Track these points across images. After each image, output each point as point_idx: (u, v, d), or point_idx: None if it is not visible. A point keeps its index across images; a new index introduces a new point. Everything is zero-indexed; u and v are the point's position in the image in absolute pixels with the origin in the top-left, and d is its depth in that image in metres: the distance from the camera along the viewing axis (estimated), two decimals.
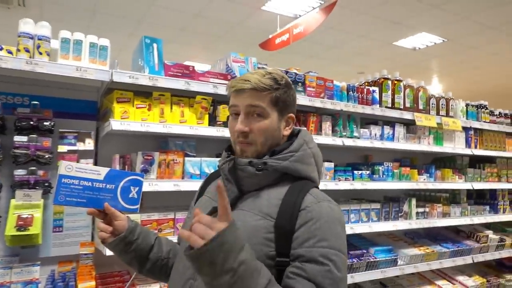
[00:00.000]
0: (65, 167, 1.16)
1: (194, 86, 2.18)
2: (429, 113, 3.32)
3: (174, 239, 1.52)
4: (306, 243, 1.01)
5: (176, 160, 2.18)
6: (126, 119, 2.00)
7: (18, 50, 1.80)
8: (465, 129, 3.58)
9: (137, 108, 2.07)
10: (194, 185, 2.13)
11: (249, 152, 1.16)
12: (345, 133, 2.86)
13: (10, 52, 1.78)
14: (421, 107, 3.29)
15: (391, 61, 8.48)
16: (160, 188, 2.06)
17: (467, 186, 3.54)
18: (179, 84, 2.13)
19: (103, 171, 1.22)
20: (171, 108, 2.18)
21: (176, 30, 6.78)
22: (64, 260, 2.10)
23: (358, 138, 2.91)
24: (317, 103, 2.66)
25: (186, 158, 2.22)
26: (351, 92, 2.89)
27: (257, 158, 1.14)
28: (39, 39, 1.85)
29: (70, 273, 2.02)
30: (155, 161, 2.11)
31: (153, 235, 1.32)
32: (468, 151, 3.56)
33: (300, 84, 2.64)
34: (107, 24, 6.47)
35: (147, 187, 2.02)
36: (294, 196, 1.08)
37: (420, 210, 3.26)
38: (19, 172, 1.88)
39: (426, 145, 3.30)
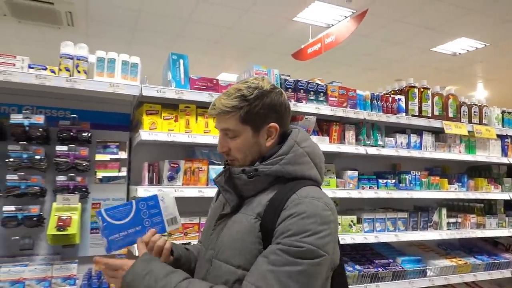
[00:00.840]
0: (100, 219, 1.26)
1: None
2: (460, 121, 3.25)
3: None
4: (279, 237, 1.05)
5: (201, 168, 2.32)
6: (154, 129, 2.17)
7: (60, 70, 2.02)
8: (501, 137, 3.45)
9: (164, 119, 2.23)
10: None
11: (235, 166, 1.23)
12: (369, 142, 2.87)
13: (53, 72, 2.01)
14: (451, 115, 3.22)
15: (430, 67, 8.25)
16: (186, 194, 2.20)
17: (504, 196, 3.40)
18: (203, 96, 2.27)
19: (131, 205, 1.32)
20: (196, 119, 2.33)
21: (210, 43, 7.04)
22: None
23: (383, 146, 2.91)
24: (339, 112, 2.70)
25: (211, 166, 2.35)
26: (375, 101, 2.91)
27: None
28: (78, 59, 2.07)
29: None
30: (181, 169, 2.26)
31: (190, 252, 1.40)
32: (504, 160, 3.42)
33: (322, 94, 2.70)
34: (147, 40, 6.84)
35: (173, 193, 2.16)
36: (280, 196, 1.12)
37: (452, 220, 3.18)
38: (60, 178, 2.10)
39: (457, 154, 3.22)
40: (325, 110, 2.65)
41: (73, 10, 5.58)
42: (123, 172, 2.26)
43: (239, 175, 1.19)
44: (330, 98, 2.72)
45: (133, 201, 1.33)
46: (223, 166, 1.29)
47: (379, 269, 2.72)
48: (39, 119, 2.00)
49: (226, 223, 1.20)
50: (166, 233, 1.37)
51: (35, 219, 2.01)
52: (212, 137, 2.28)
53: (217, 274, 1.13)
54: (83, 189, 2.14)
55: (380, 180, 2.89)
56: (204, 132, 2.30)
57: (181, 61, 2.31)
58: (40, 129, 2.01)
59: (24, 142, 2.02)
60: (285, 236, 1.03)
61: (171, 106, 2.31)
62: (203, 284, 1.07)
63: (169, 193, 1.43)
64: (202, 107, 2.35)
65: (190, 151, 2.53)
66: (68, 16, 5.77)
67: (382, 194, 2.80)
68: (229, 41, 6.95)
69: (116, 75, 2.14)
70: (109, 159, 2.22)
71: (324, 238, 1.04)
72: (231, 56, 7.80)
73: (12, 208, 1.99)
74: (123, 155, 2.28)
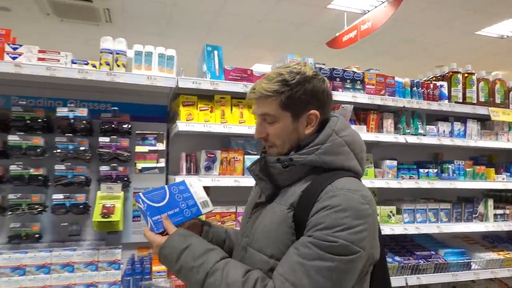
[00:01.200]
0: (140, 202, 1.28)
1: None
2: (509, 107, 3.07)
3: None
4: (311, 230, 1.01)
5: (236, 158, 2.34)
6: (191, 120, 2.21)
7: (100, 64, 2.10)
8: None
9: (200, 110, 2.26)
10: (254, 181, 2.26)
11: (272, 153, 1.21)
12: (408, 130, 2.78)
13: (94, 66, 2.08)
14: (498, 101, 3.05)
15: (475, 51, 7.81)
16: (222, 184, 2.23)
17: None
18: (238, 87, 2.28)
19: (164, 189, 1.34)
20: (231, 110, 2.34)
21: (243, 34, 7.04)
22: (142, 246, 2.38)
23: (424, 135, 2.80)
24: (377, 100, 2.63)
25: (246, 156, 2.37)
26: (415, 88, 2.80)
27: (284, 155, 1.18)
28: (117, 54, 2.13)
29: (146, 258, 2.29)
30: (217, 159, 2.29)
31: (223, 229, 1.47)
32: None
33: (359, 82, 2.63)
34: (180, 33, 6.94)
35: (210, 182, 2.20)
36: (315, 187, 1.08)
37: (499, 212, 3.02)
38: (104, 168, 2.19)
39: (505, 142, 3.05)
40: (362, 98, 2.59)
41: (111, 7, 5.76)
42: (161, 163, 2.32)
43: (274, 164, 1.17)
44: (367, 86, 2.65)
45: (165, 186, 1.37)
46: (260, 155, 1.27)
47: (420, 261, 2.64)
48: (83, 112, 2.10)
49: (261, 212, 1.20)
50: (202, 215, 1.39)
51: (81, 206, 2.12)
52: (247, 127, 2.29)
53: (251, 262, 1.13)
54: (125, 179, 2.22)
55: (421, 170, 2.79)
56: (239, 123, 2.32)
57: (216, 52, 2.33)
58: (84, 122, 2.10)
59: (70, 134, 2.12)
60: (317, 229, 1.00)
61: (207, 97, 2.34)
62: (239, 266, 1.07)
63: (195, 180, 1.48)
64: (236, 98, 2.37)
65: (225, 141, 2.56)
66: (106, 13, 5.98)
67: (423, 184, 2.71)
68: (261, 32, 6.92)
69: (153, 68, 2.19)
70: (147, 151, 2.29)
71: (360, 233, 0.99)
72: (264, 47, 7.77)
73: (60, 196, 2.10)
74: (161, 146, 2.33)
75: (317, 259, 0.97)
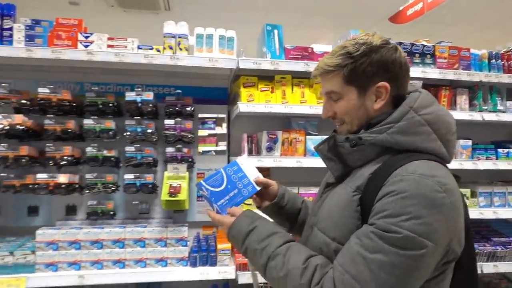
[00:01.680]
0: (204, 189, 1.33)
1: (313, 66, 2.23)
2: None
3: None
4: (374, 217, 0.94)
5: (298, 139, 2.30)
6: (252, 101, 2.21)
7: (164, 48, 2.15)
8: None
9: (261, 91, 2.25)
10: (316, 162, 2.23)
11: (342, 131, 1.16)
12: (486, 107, 2.55)
13: (158, 51, 2.14)
14: None
15: None
16: (284, 164, 2.22)
17: None
18: (299, 66, 2.23)
19: (220, 173, 1.39)
20: (292, 90, 2.30)
21: (300, 14, 6.86)
22: (206, 225, 2.46)
23: (504, 112, 2.55)
24: (450, 75, 2.43)
25: (308, 136, 2.33)
26: (493, 60, 2.55)
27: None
28: (179, 37, 2.17)
29: (211, 236, 2.36)
30: (278, 140, 2.28)
31: (300, 199, 1.49)
32: None
33: (429, 56, 2.45)
34: (238, 17, 6.95)
35: (271, 163, 2.20)
36: (384, 170, 0.99)
37: None
38: (169, 150, 2.27)
39: None
40: (433, 73, 2.41)
41: None
42: (220, 147, 2.36)
43: (342, 143, 1.11)
44: (439, 60, 2.45)
45: (221, 169, 1.41)
46: (331, 134, 1.20)
47: (497, 247, 2.45)
48: (149, 95, 2.18)
49: (331, 193, 1.16)
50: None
51: (150, 186, 2.23)
52: (309, 107, 2.24)
53: (315, 241, 1.11)
54: (189, 160, 2.29)
55: (500, 150, 2.56)
56: (300, 102, 2.27)
57: (276, 31, 2.29)
58: (150, 105, 2.18)
59: (138, 117, 2.22)
60: (380, 216, 0.91)
61: (267, 77, 2.32)
62: (302, 251, 1.04)
63: (246, 158, 1.51)
64: (297, 77, 2.32)
65: (286, 122, 2.53)
66: (165, 1, 6.15)
67: (502, 165, 2.48)
68: (320, 9, 6.69)
69: (214, 50, 2.21)
70: (207, 134, 2.33)
71: (430, 225, 0.87)
72: (324, 26, 7.53)
73: (131, 176, 2.22)
74: (219, 130, 2.37)
75: (379, 252, 0.89)
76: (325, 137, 2.26)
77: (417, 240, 0.87)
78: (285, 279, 0.99)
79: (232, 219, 1.17)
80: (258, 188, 1.41)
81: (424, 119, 1.03)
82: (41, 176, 2.13)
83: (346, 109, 1.11)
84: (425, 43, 2.51)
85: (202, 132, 2.31)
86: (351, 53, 1.06)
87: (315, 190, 2.33)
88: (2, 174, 2.13)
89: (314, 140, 2.32)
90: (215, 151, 2.32)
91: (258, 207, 1.47)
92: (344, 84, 1.09)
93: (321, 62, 1.12)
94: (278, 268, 1.01)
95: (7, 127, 2.05)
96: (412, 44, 2.43)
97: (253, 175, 1.44)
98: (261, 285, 1.75)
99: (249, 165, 1.47)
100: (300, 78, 2.32)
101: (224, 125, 2.36)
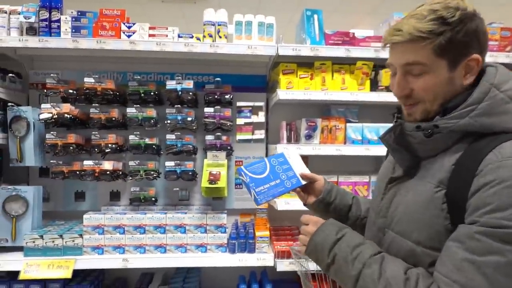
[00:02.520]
0: (243, 175, 1.32)
1: (354, 52, 2.18)
2: None
3: None
4: (474, 214, 0.82)
5: (338, 126, 2.26)
6: (291, 89, 2.18)
7: (204, 37, 2.16)
8: None
9: (300, 78, 2.21)
10: (356, 150, 2.18)
11: (417, 113, 1.00)
12: None
13: (198, 39, 2.15)
14: None
15: None
16: (323, 152, 2.18)
17: None
18: (339, 51, 2.17)
19: (264, 162, 1.38)
20: (332, 76, 2.25)
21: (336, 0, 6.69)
22: (244, 213, 2.48)
23: None
24: (501, 58, 2.28)
25: (348, 124, 2.27)
26: None
27: (426, 120, 0.97)
28: (219, 25, 2.17)
29: (249, 223, 2.38)
30: (318, 127, 2.24)
31: (350, 195, 1.39)
32: None
33: None
34: (274, 4, 6.87)
35: (310, 151, 2.17)
36: (472, 157, 0.87)
37: None
38: (209, 138, 2.30)
39: None
40: None
41: None
42: (257, 135, 2.35)
43: (412, 132, 0.97)
44: (490, 43, 2.30)
45: (265, 159, 1.39)
46: (394, 121, 1.07)
47: None
48: (189, 84, 2.20)
49: (399, 188, 1.04)
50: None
51: (190, 173, 2.27)
52: (349, 94, 2.18)
53: (392, 247, 1.01)
54: (228, 148, 2.31)
55: None
56: (340, 89, 2.22)
57: (315, 16, 2.24)
58: (190, 93, 2.20)
59: (178, 106, 2.25)
60: (484, 212, 0.80)
61: (306, 64, 2.28)
62: (398, 262, 0.94)
63: (294, 151, 1.51)
64: (338, 63, 2.26)
65: (325, 109, 2.48)
66: None
67: None
68: None
69: (253, 37, 2.19)
70: (243, 123, 2.33)
71: None
72: (360, 11, 7.30)
73: (172, 163, 2.27)
74: (255, 118, 2.36)
75: (492, 253, 0.77)
76: (365, 124, 2.25)
77: None
78: None
79: (313, 227, 1.09)
80: (303, 182, 1.37)
81: (507, 95, 0.91)
82: (88, 163, 2.22)
83: (431, 86, 0.95)
84: None
85: (239, 121, 2.31)
86: (446, 19, 0.90)
87: (355, 178, 2.29)
88: (51, 161, 2.24)
89: (354, 128, 2.26)
90: (250, 139, 2.32)
91: (305, 204, 1.43)
92: (434, 56, 0.93)
93: (406, 25, 0.93)
94: (375, 278, 0.91)
95: (56, 116, 2.14)
96: None
97: (299, 169, 1.41)
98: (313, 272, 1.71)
99: (296, 159, 1.44)
100: (340, 64, 2.26)
101: (261, 113, 2.35)
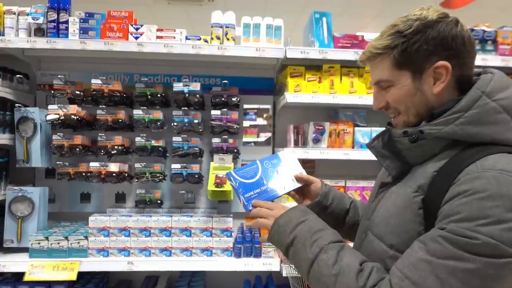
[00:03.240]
0: (232, 180, 1.25)
1: None
2: None
3: None
4: (443, 221, 0.81)
5: (346, 130, 2.23)
6: (299, 92, 2.16)
7: (212, 39, 2.15)
8: None
9: (308, 81, 2.20)
10: (364, 154, 2.15)
11: (399, 123, 1.02)
12: None
13: (206, 41, 2.14)
14: None
15: None
16: (330, 157, 2.16)
17: None
18: (348, 54, 2.15)
19: (256, 165, 1.31)
20: (341, 79, 2.23)
21: (344, 2, 6.66)
22: (250, 217, 2.44)
23: None
24: None
25: (356, 128, 2.25)
26: None
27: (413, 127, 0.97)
28: (227, 27, 2.16)
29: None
30: (325, 131, 2.22)
31: (348, 199, 1.35)
32: None
33: (490, 42, 2.28)
34: (280, 6, 6.86)
35: (318, 155, 2.15)
36: (453, 166, 0.87)
37: None
38: (215, 140, 2.28)
39: None
40: (494, 61, 2.24)
41: None
42: (261, 138, 2.35)
43: (399, 138, 0.97)
44: (501, 47, 2.28)
45: (257, 161, 1.33)
46: (386, 127, 1.08)
47: None
48: (196, 86, 2.19)
49: (386, 193, 1.03)
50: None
51: (196, 176, 2.25)
52: (358, 97, 2.16)
53: (370, 249, 1.00)
54: (235, 150, 2.29)
55: None
56: (349, 93, 2.20)
57: (324, 19, 2.22)
58: (197, 96, 2.19)
59: (185, 108, 2.24)
60: (452, 220, 0.79)
61: (314, 67, 2.26)
62: (357, 254, 0.94)
63: (289, 152, 1.44)
64: (346, 67, 2.24)
65: (333, 113, 2.46)
66: None
67: None
68: None
69: (261, 39, 2.18)
70: (248, 125, 2.32)
71: None
72: (367, 14, 7.28)
73: (178, 166, 2.25)
74: (260, 121, 2.35)
75: (451, 258, 0.78)
76: (374, 128, 2.22)
77: (500, 248, 0.74)
78: (335, 277, 0.88)
79: (279, 211, 1.07)
80: (298, 185, 1.31)
81: (500, 105, 0.87)
82: (94, 165, 2.21)
83: (399, 97, 0.97)
84: (485, 28, 2.34)
85: (245, 123, 2.30)
86: (402, 32, 0.92)
87: (363, 183, 2.26)
88: (58, 162, 2.23)
89: (362, 132, 2.23)
90: (255, 142, 2.31)
91: None
92: (395, 69, 0.95)
93: (369, 45, 0.99)
94: (330, 263, 0.90)
95: (63, 117, 2.14)
96: (471, 30, 2.27)
97: (295, 171, 1.35)
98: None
99: (292, 160, 1.38)
100: (349, 67, 2.24)
101: (266, 115, 2.33)
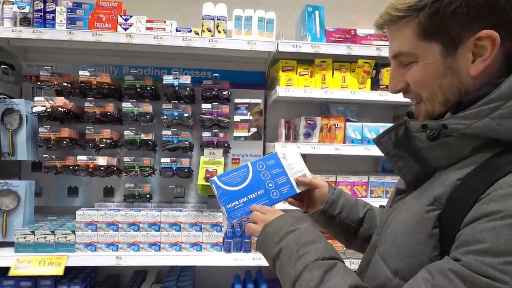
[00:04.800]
0: (214, 187, 1.10)
1: (356, 50, 2.14)
2: None
3: None
4: (460, 249, 0.63)
5: (337, 125, 2.22)
6: (290, 86, 2.14)
7: (203, 31, 2.11)
8: None
9: (300, 75, 2.18)
10: (355, 150, 2.14)
11: (420, 113, 0.80)
12: None
13: (197, 33, 2.11)
14: None
15: None
16: (322, 152, 2.15)
17: None
18: (341, 49, 2.13)
19: (247, 168, 1.15)
20: (333, 74, 2.21)
21: None
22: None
23: None
24: None
25: (348, 123, 2.24)
26: None
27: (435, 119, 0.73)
28: (218, 19, 2.13)
29: (245, 222, 2.34)
30: (317, 126, 2.21)
31: (362, 207, 1.13)
32: None
33: None
34: (273, 0, 6.82)
35: (309, 150, 2.14)
36: (482, 174, 0.65)
37: None
38: (206, 134, 2.25)
39: None
40: None
41: None
42: (251, 133, 2.33)
43: (418, 133, 0.75)
44: None
45: (249, 163, 1.15)
46: (401, 118, 0.87)
47: None
48: (187, 79, 2.15)
49: (400, 203, 0.84)
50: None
51: (186, 170, 2.23)
52: (350, 92, 2.15)
53: (373, 271, 0.82)
54: (225, 145, 2.27)
55: None
56: (341, 87, 2.18)
57: (317, 12, 2.20)
58: (188, 89, 2.16)
59: (175, 101, 2.21)
60: (471, 251, 0.60)
61: (307, 61, 2.24)
62: (349, 275, 0.76)
63: (291, 148, 1.27)
64: (338, 61, 2.22)
65: (324, 108, 2.45)
66: None
67: None
68: None
69: (253, 32, 2.15)
70: (239, 120, 2.30)
71: None
72: (359, 10, 7.28)
73: (168, 160, 2.22)
74: (250, 116, 2.33)
75: None
76: (365, 123, 2.21)
77: None
78: None
79: (270, 216, 0.94)
80: (298, 190, 1.14)
81: None
82: (81, 158, 2.17)
83: (422, 78, 0.74)
84: None
85: (236, 118, 2.28)
86: None
87: (353, 178, 2.26)
88: (44, 156, 2.18)
89: (354, 127, 2.23)
90: (245, 136, 2.29)
91: (305, 212, 1.19)
92: (420, 39, 0.72)
93: (388, 4, 0.76)
94: (312, 285, 0.75)
95: (49, 109, 2.09)
96: None
97: (296, 173, 1.16)
98: None
99: (294, 159, 1.18)
100: (341, 62, 2.22)
101: (253, 110, 2.32)
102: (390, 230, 0.80)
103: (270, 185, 1.13)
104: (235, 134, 2.28)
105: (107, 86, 2.15)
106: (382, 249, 0.80)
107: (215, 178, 1.13)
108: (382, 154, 0.85)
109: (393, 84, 0.80)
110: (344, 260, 0.83)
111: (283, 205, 1.28)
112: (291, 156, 1.20)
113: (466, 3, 0.67)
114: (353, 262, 2.08)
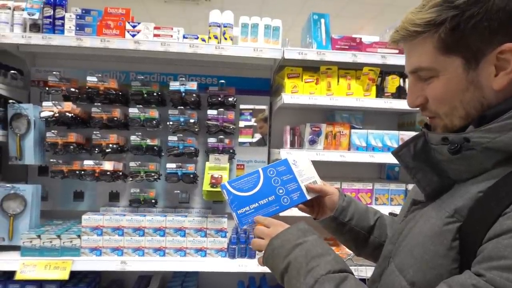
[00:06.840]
0: (225, 193, 1.10)
1: (361, 57, 2.16)
2: None
3: None
4: (483, 264, 0.61)
5: (342, 132, 2.23)
6: (296, 93, 2.16)
7: (209, 38, 2.13)
8: None
9: (305, 82, 2.19)
10: (360, 157, 2.15)
11: (438, 127, 0.79)
12: None
13: (203, 40, 2.13)
14: None
15: None
16: (327, 158, 2.15)
17: None
18: (346, 57, 2.15)
19: (258, 174, 1.15)
20: (338, 81, 2.22)
21: (341, 3, 6.69)
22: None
23: None
24: None
25: (352, 130, 2.25)
26: None
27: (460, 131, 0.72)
28: (225, 26, 2.15)
29: (250, 227, 2.35)
30: (322, 133, 2.21)
31: (373, 214, 1.14)
32: None
33: None
34: (277, 6, 6.87)
35: (314, 156, 2.14)
36: (505, 188, 0.64)
37: None
38: (211, 140, 2.27)
39: None
40: None
41: None
42: (256, 139, 2.35)
43: (438, 146, 0.74)
44: None
45: (260, 169, 1.16)
46: (421, 130, 0.85)
47: None
48: (193, 85, 2.17)
49: (417, 214, 0.82)
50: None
51: (191, 176, 2.24)
52: (355, 100, 2.16)
53: (387, 282, 0.81)
54: (231, 151, 2.28)
55: None
56: (346, 95, 2.19)
57: (323, 20, 2.22)
58: (194, 95, 2.18)
59: (181, 107, 2.22)
60: (495, 266, 0.59)
61: (312, 69, 2.25)
62: None
63: (302, 155, 1.27)
64: (344, 69, 2.24)
65: (329, 115, 2.46)
66: None
67: None
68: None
69: (259, 39, 2.17)
70: (243, 126, 2.31)
71: None
72: (364, 17, 7.31)
73: (173, 165, 2.24)
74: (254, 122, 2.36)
75: None
76: (370, 131, 2.22)
77: None
78: None
79: (276, 229, 0.93)
80: (308, 197, 1.14)
81: None
82: (88, 163, 2.18)
83: (443, 93, 0.73)
84: None
85: (240, 124, 2.30)
86: (452, 2, 0.68)
87: (358, 185, 2.26)
88: (51, 160, 2.20)
89: (359, 134, 2.23)
90: (250, 142, 2.30)
91: (314, 219, 1.20)
92: (440, 54, 0.71)
93: (405, 19, 0.75)
94: None
95: (57, 114, 2.11)
96: None
97: (307, 179, 1.16)
98: None
99: (305, 165, 1.19)
100: (346, 69, 2.24)
101: (258, 117, 2.33)
102: (406, 241, 0.79)
103: (281, 191, 1.13)
104: (240, 140, 2.29)
105: (114, 92, 2.17)
106: (398, 260, 0.79)
107: (226, 183, 1.12)
108: (386, 162, 0.85)
109: (412, 99, 0.80)
110: (351, 266, 0.82)
111: (292, 212, 1.28)
112: (302, 163, 1.20)
113: (487, 16, 0.66)
114: (361, 270, 2.08)
